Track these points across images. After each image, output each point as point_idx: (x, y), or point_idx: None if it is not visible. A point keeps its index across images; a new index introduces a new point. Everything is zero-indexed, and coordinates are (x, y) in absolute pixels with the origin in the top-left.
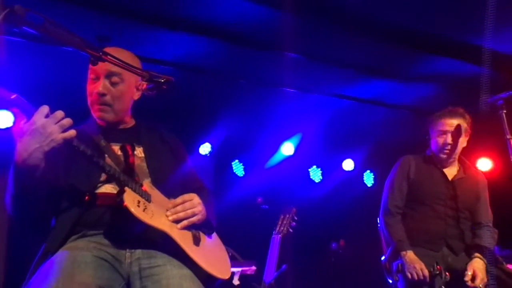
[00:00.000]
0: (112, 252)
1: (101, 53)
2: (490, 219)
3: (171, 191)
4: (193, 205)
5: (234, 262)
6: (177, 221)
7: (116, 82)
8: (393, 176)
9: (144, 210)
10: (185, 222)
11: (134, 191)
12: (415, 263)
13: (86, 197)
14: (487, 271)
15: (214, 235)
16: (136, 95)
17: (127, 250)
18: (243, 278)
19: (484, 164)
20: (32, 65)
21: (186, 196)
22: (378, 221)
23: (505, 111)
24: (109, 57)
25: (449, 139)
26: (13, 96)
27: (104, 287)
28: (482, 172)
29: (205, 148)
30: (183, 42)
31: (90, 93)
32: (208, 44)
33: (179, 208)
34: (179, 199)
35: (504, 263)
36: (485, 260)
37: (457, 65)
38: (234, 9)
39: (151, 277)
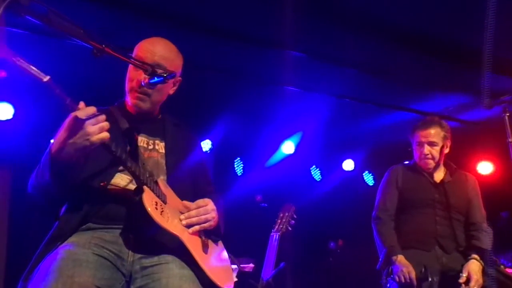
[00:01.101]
0: (115, 250)
1: (103, 46)
2: (484, 218)
3: (183, 191)
4: (207, 211)
5: (231, 261)
6: (189, 226)
7: None
8: (383, 186)
9: (161, 213)
10: (196, 227)
11: (153, 191)
12: (403, 267)
13: (101, 187)
14: (486, 273)
15: (219, 243)
16: (172, 90)
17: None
18: (241, 275)
19: (485, 167)
20: (36, 57)
21: (201, 202)
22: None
23: (508, 114)
24: (111, 50)
25: (425, 150)
26: (45, 79)
27: (103, 287)
28: (471, 174)
29: (205, 145)
30: (185, 39)
31: (131, 79)
32: (210, 41)
33: (193, 213)
34: (194, 204)
35: (501, 265)
36: (482, 262)
37: (457, 68)
38: (236, 6)
39: (152, 275)
